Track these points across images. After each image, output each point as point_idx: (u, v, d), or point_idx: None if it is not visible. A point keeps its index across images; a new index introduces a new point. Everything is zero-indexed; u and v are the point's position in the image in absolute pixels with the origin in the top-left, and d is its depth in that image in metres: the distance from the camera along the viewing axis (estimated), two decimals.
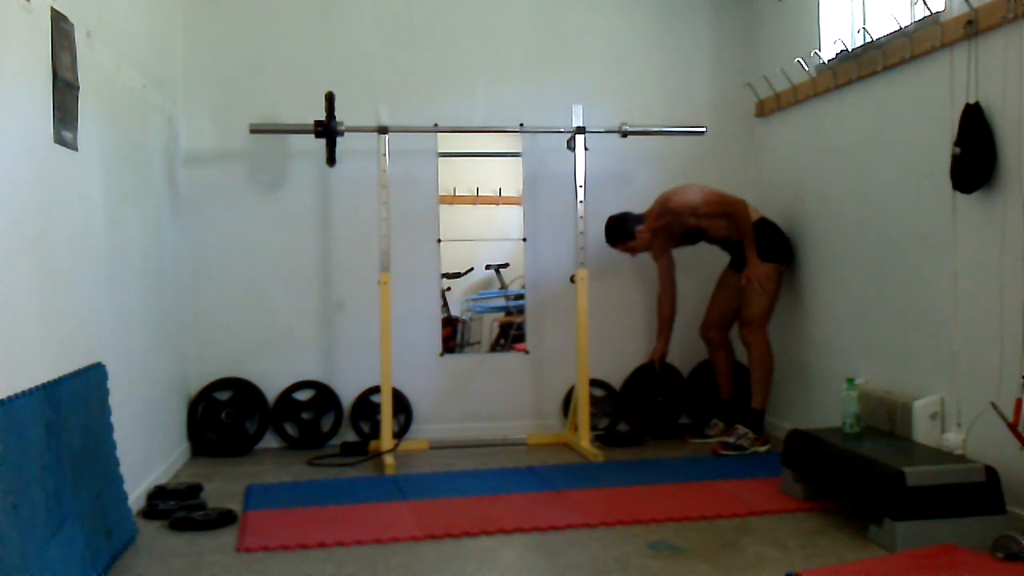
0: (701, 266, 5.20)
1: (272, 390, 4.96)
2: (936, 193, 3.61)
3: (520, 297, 5.46)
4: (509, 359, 5.40)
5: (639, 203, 4.94)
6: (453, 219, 5.55)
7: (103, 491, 3.05)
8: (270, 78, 5.01)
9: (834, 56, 4.37)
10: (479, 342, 6.06)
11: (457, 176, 5.86)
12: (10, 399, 2.41)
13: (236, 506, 3.73)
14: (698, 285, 5.20)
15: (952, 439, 3.49)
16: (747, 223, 4.65)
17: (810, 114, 4.69)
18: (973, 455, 3.39)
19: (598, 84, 5.28)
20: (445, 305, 5.67)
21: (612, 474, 4.26)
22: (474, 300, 6.27)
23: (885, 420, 3.83)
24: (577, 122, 4.80)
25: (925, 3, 3.66)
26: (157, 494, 3.81)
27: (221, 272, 4.96)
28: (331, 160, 4.56)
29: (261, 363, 4.96)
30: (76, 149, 3.10)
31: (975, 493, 3.11)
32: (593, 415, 5.02)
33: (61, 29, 2.95)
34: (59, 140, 2.94)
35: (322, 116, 4.47)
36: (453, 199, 5.87)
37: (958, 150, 3.37)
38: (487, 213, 6.20)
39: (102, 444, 3.15)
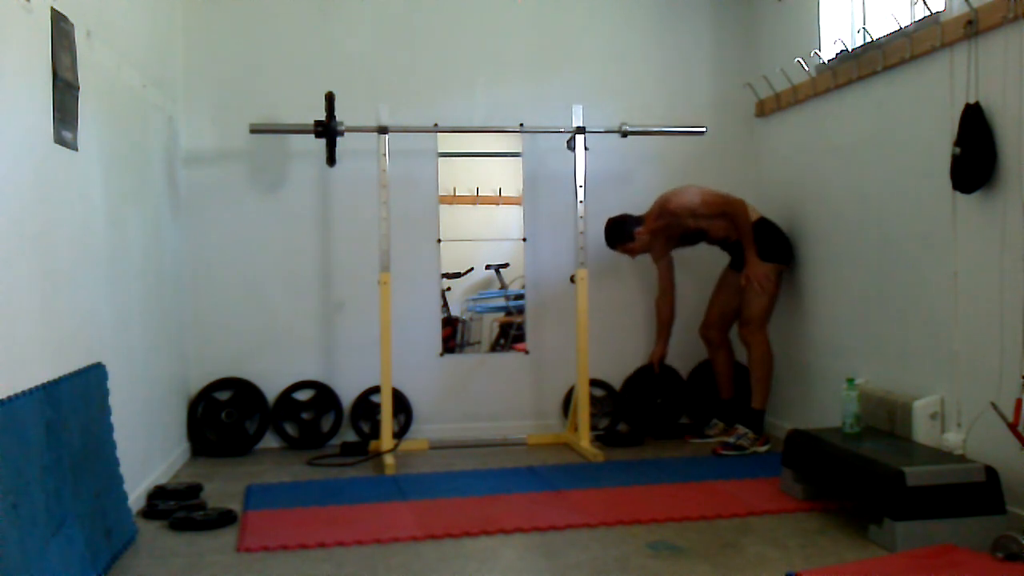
0: (701, 266, 5.20)
1: (272, 390, 4.96)
2: (936, 193, 3.61)
3: (520, 297, 5.46)
4: (509, 359, 5.40)
5: (639, 203, 4.94)
6: (453, 219, 5.55)
7: (103, 491, 3.05)
8: (270, 78, 5.01)
9: (834, 56, 4.37)
10: (479, 342, 6.06)
11: (457, 176, 5.86)
12: (10, 399, 2.41)
13: (236, 506, 3.73)
14: (698, 285, 5.20)
15: (952, 439, 3.49)
16: (746, 223, 4.65)
17: (810, 114, 4.69)
18: (973, 455, 3.39)
19: (598, 84, 5.28)
20: (445, 305, 5.67)
21: (612, 474, 4.26)
22: (474, 300, 6.26)
23: (885, 420, 3.83)
24: (577, 122, 4.80)
25: (925, 3, 3.66)
26: (157, 494, 3.81)
27: (221, 272, 4.96)
28: (331, 160, 4.57)
29: (261, 363, 4.96)
30: (76, 149, 3.10)
31: (975, 493, 3.11)
32: (593, 415, 5.02)
33: (61, 29, 2.95)
34: (59, 140, 2.94)
35: (322, 116, 4.47)
36: (453, 199, 5.87)
37: (958, 150, 3.37)
38: (487, 213, 6.19)
39: (102, 444, 3.15)
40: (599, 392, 5.21)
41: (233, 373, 4.93)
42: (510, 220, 5.72)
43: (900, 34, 3.86)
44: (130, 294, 3.79)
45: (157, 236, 4.31)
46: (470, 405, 5.18)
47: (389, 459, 4.45)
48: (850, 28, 4.45)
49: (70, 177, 3.08)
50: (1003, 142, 3.25)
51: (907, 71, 3.84)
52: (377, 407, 4.83)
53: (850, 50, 4.22)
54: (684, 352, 5.27)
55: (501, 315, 6.12)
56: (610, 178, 5.21)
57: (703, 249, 5.05)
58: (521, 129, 5.04)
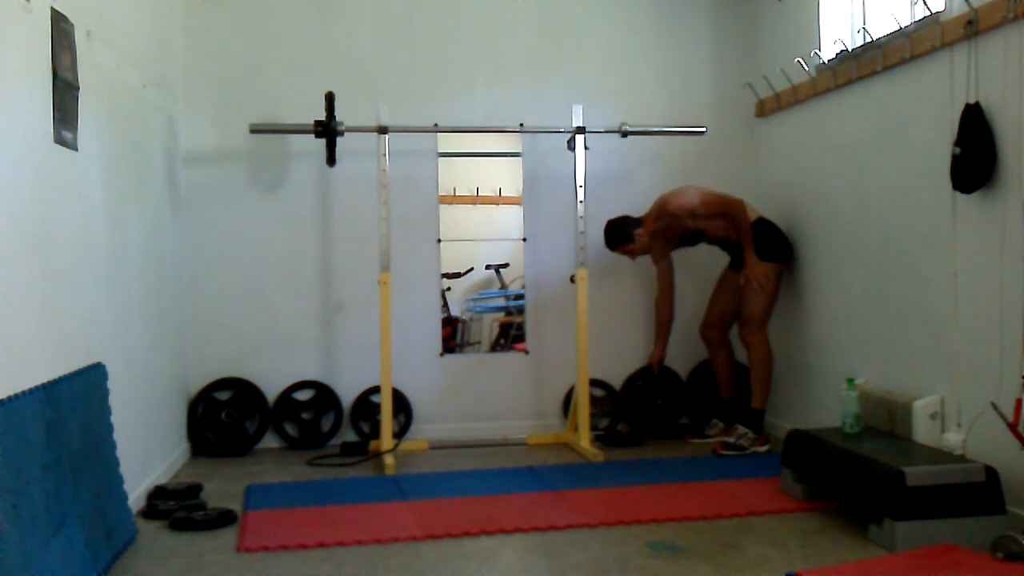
0: (701, 266, 5.20)
1: (272, 390, 4.96)
2: (936, 193, 3.61)
3: (520, 297, 5.46)
4: (509, 359, 5.40)
5: (639, 203, 4.94)
6: (453, 219, 5.55)
7: (103, 491, 3.05)
8: (270, 78, 5.01)
9: (834, 56, 4.37)
10: (479, 342, 6.06)
11: (457, 176, 5.86)
12: (10, 399, 2.41)
13: (236, 506, 3.73)
14: (698, 285, 5.20)
15: (952, 439, 3.49)
16: (745, 223, 4.66)
17: (810, 114, 4.69)
18: (973, 455, 3.39)
19: (598, 84, 5.28)
20: (445, 305, 5.67)
21: (612, 474, 4.26)
22: (474, 300, 6.27)
23: (885, 420, 3.83)
24: (577, 122, 4.80)
25: (925, 3, 3.66)
26: (157, 494, 3.81)
27: (221, 272, 4.96)
28: (331, 160, 4.57)
29: (261, 363, 4.96)
30: (76, 149, 3.10)
31: (975, 493, 3.11)
32: (593, 415, 5.02)
33: (61, 29, 2.95)
34: (59, 140, 2.94)
35: (322, 116, 4.47)
36: (453, 199, 5.87)
37: (958, 150, 3.37)
38: (487, 213, 6.20)
39: (102, 444, 3.15)
40: (599, 392, 5.21)
41: (233, 373, 4.93)
42: (510, 220, 5.72)
43: (900, 34, 3.86)
44: (130, 294, 3.79)
45: (157, 236, 4.31)
46: (470, 405, 5.18)
47: (389, 459, 4.45)
48: (850, 28, 4.45)
49: (70, 177, 3.08)
50: (1003, 142, 3.25)
51: (907, 71, 3.84)
52: (377, 407, 4.83)
53: (850, 50, 4.23)
54: (684, 352, 5.27)
55: (501, 315, 6.12)
56: (610, 178, 5.21)
57: (703, 249, 5.05)
58: (521, 129, 5.04)
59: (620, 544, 3.21)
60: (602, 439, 4.98)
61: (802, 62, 4.58)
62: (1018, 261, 3.18)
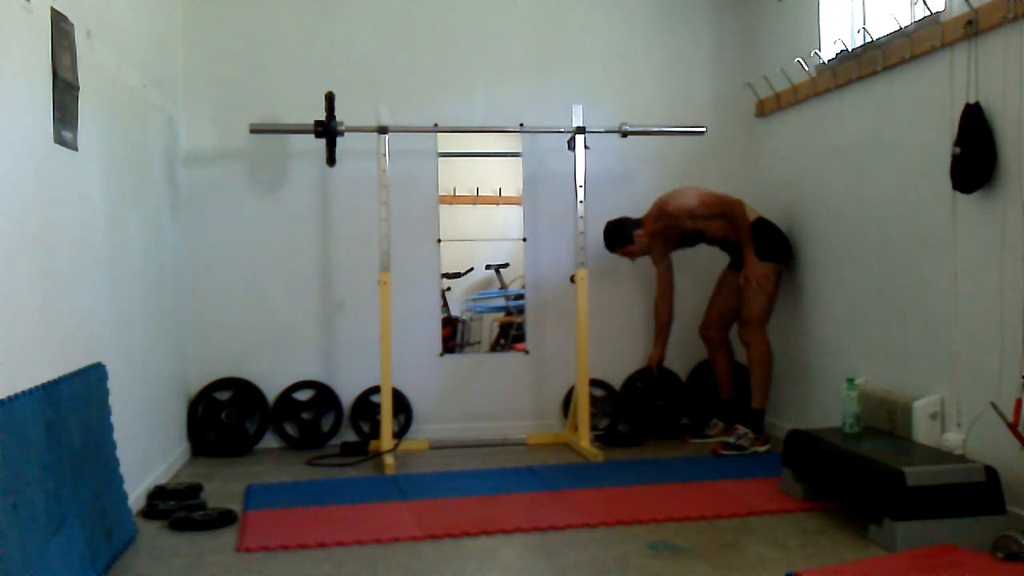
0: (700, 267, 5.20)
1: (272, 390, 4.96)
2: (936, 193, 3.61)
3: (520, 297, 5.46)
4: (509, 359, 5.40)
5: (639, 203, 4.94)
6: (453, 219, 5.55)
7: (103, 491, 3.05)
8: (270, 78, 5.01)
9: (834, 56, 4.37)
10: (479, 342, 6.06)
11: (457, 176, 5.86)
12: (10, 399, 2.41)
13: (236, 506, 3.73)
14: (697, 286, 5.20)
15: (952, 439, 3.49)
16: (744, 223, 4.66)
17: (810, 114, 4.69)
18: (973, 455, 3.39)
19: (598, 84, 5.28)
20: (445, 305, 5.67)
21: (612, 474, 4.26)
22: (474, 300, 6.27)
23: (885, 420, 3.83)
24: (577, 122, 4.80)
25: (925, 3, 3.66)
26: (157, 494, 3.81)
27: (221, 272, 4.96)
28: (331, 160, 4.57)
29: (261, 363, 4.96)
30: (76, 149, 3.10)
31: (975, 493, 3.11)
32: (593, 415, 5.02)
33: (61, 29, 2.95)
34: (59, 140, 2.94)
35: (322, 116, 4.47)
36: (453, 199, 5.87)
37: (958, 150, 3.37)
38: (487, 213, 6.20)
39: (102, 444, 3.15)
40: (599, 392, 5.21)
41: (233, 373, 4.93)
42: (510, 220, 5.72)
43: (900, 34, 3.86)
44: (130, 294, 3.79)
45: (157, 236, 4.31)
46: (470, 405, 5.18)
47: (389, 459, 4.45)
48: (850, 28, 4.45)
49: (70, 177, 3.08)
50: (1003, 142, 3.25)
51: (907, 71, 3.84)
52: (377, 407, 4.83)
53: (850, 50, 4.22)
54: (684, 352, 5.27)
55: (501, 315, 6.12)
56: (610, 178, 5.21)
57: (703, 249, 5.05)
58: (521, 129, 5.04)
59: (620, 544, 3.21)
60: (602, 439, 4.98)
61: (802, 62, 4.59)
62: (1018, 261, 3.18)
